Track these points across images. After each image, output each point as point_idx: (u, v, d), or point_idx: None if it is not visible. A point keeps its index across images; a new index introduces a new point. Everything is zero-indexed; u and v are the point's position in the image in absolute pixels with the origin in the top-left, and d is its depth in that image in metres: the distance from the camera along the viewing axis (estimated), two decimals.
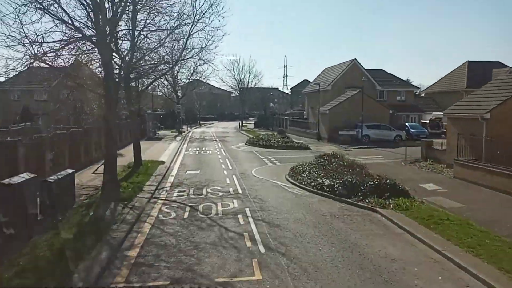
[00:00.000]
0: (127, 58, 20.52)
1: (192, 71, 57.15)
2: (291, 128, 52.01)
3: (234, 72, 76.14)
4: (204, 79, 57.93)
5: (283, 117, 58.90)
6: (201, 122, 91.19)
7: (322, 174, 18.51)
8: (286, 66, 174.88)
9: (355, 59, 45.67)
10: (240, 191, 17.67)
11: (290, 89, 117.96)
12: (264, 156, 29.10)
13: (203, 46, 24.33)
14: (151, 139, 44.57)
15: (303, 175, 19.54)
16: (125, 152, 30.60)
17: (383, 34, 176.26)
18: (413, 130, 39.61)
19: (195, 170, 23.55)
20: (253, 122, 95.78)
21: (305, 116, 55.43)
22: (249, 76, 76.67)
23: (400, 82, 48.98)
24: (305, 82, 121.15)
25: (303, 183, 18.43)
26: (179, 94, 60.33)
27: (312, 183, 17.74)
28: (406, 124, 41.51)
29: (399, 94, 48.46)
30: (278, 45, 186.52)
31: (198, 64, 60.62)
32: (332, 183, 16.73)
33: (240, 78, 76.22)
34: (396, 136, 37.46)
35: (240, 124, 75.03)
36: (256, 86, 78.77)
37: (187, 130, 63.72)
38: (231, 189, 17.96)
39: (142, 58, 21.92)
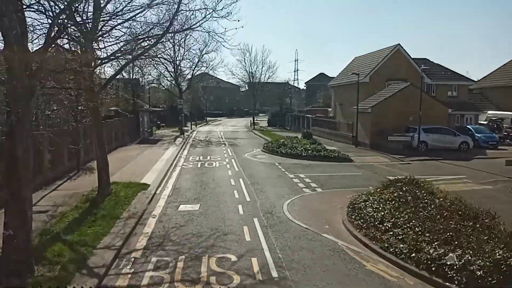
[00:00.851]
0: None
1: (197, 60, 48.74)
2: (314, 129, 43.18)
3: (245, 63, 67.48)
4: (211, 69, 49.41)
5: (303, 114, 49.98)
6: (208, 118, 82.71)
7: (426, 235, 9.66)
8: (297, 60, 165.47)
9: (399, 44, 36.61)
10: (275, 273, 8.96)
11: (305, 83, 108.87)
12: (293, 173, 20.39)
13: (209, 10, 15.46)
14: (145, 141, 36.04)
15: (381, 226, 10.81)
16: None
17: (406, 21, 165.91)
18: (479, 135, 30.56)
19: (192, 203, 14.87)
20: (266, 120, 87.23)
21: (331, 114, 46.54)
22: (261, 68, 68.02)
23: (450, 74, 39.82)
24: (321, 76, 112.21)
25: (396, 250, 9.62)
26: (182, 86, 51.74)
27: (425, 259, 8.90)
28: (469, 126, 32.41)
29: (450, 89, 39.33)
30: (289, 36, 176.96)
31: (203, 50, 52.18)
32: (471, 268, 8.02)
33: (251, 70, 67.57)
34: (461, 143, 28.46)
35: (252, 122, 66.34)
36: (269, 80, 69.97)
37: (191, 128, 55.16)
38: (256, 268, 9.18)
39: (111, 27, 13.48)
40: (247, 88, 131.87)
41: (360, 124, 31.62)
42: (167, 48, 20.61)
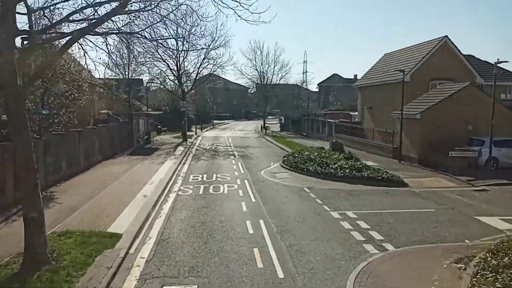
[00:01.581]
0: None
1: (203, 57, 42.54)
2: (338, 137, 36.77)
3: (255, 61, 61.32)
4: (219, 67, 43.15)
5: (323, 119, 43.49)
6: (215, 121, 76.62)
7: None
8: (306, 61, 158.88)
9: (447, 36, 30.06)
10: None
11: (318, 84, 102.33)
12: (336, 209, 13.97)
13: None
14: (139, 151, 29.82)
15: None
16: (70, 188, 15.96)
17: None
18: None
19: (186, 280, 8.62)
20: (277, 123, 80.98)
21: (356, 119, 40.08)
22: (273, 67, 61.77)
23: (503, 72, 33.19)
24: (335, 77, 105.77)
25: None
26: (186, 87, 45.53)
27: None
28: None
29: (503, 90, 32.78)
30: (301, 35, 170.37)
31: (211, 45, 45.79)
32: None
33: (263, 69, 61.34)
34: None
35: (262, 126, 60.08)
36: (282, 81, 63.67)
37: (195, 133, 48.97)
38: None
39: None
40: (255, 89, 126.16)
41: (405, 133, 25.12)
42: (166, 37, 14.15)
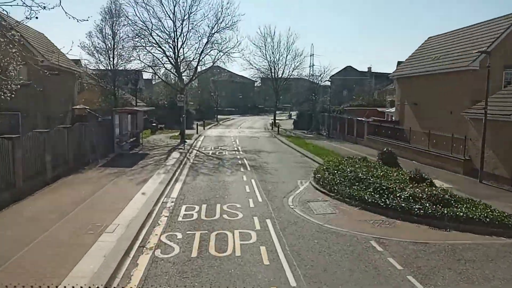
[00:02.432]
0: None
1: (205, 41, 35.16)
2: (371, 139, 29.53)
3: (265, 50, 53.83)
4: (224, 53, 35.72)
5: (349, 116, 36.02)
6: (219, 117, 69.38)
7: None
8: (313, 55, 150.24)
9: None
10: None
11: (330, 77, 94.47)
12: None
13: None
14: (118, 160, 22.52)
15: None
16: None
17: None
18: None
19: None
20: (286, 119, 73.70)
21: (393, 118, 32.62)
22: (286, 57, 54.28)
23: None
24: (349, 70, 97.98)
25: None
26: (185, 77, 38.19)
27: None
28: None
29: None
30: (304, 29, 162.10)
31: (214, 27, 38.08)
32: None
33: (273, 58, 53.88)
34: None
35: (272, 123, 52.84)
36: (295, 72, 56.22)
37: (197, 132, 41.68)
38: None
39: None
40: (260, 83, 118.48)
41: (488, 141, 17.69)
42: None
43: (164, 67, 35.56)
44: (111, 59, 30.68)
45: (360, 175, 15.63)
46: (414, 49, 31.68)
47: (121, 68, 32.64)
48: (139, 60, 32.74)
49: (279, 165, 22.09)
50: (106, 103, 31.21)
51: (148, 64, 33.09)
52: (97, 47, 30.79)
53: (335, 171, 16.74)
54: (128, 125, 26.82)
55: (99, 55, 30.86)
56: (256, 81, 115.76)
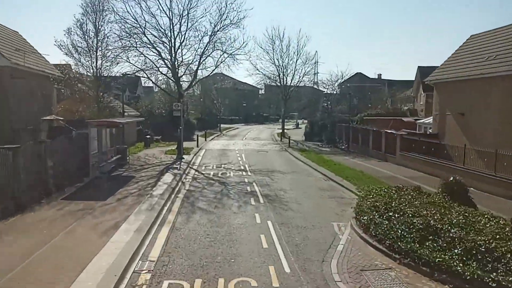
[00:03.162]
0: None
1: (208, 40, 30.28)
2: (404, 156, 24.30)
3: (273, 53, 48.89)
4: (229, 55, 30.79)
5: (373, 128, 30.76)
6: (222, 125, 64.42)
7: None
8: (317, 62, 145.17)
9: None
10: None
11: (338, 85, 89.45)
12: None
13: None
14: (91, 188, 17.29)
15: None
16: None
17: None
18: None
19: None
20: (295, 128, 68.74)
21: (429, 130, 27.33)
22: (296, 61, 49.29)
23: None
24: (358, 76, 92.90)
25: None
26: (183, 83, 33.16)
27: None
28: None
29: None
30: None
31: (217, 24, 32.77)
32: None
33: (283, 63, 48.92)
34: None
35: (281, 134, 47.75)
36: (305, 78, 51.26)
37: (197, 144, 36.51)
38: None
39: None
40: (265, 90, 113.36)
41: None
42: None
43: (159, 71, 30.55)
44: (94, 60, 25.76)
45: (432, 222, 10.37)
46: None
47: (108, 72, 27.64)
48: (129, 62, 27.72)
49: (300, 195, 16.84)
50: (89, 112, 26.15)
51: (139, 67, 28.08)
52: (78, 46, 25.88)
53: (389, 212, 11.48)
54: (108, 141, 21.65)
55: (79, 55, 25.96)
56: (261, 89, 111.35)
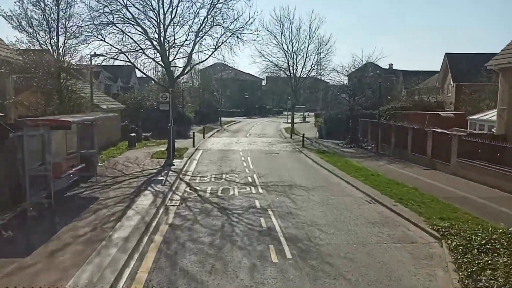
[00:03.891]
0: None
1: (206, 14, 23.95)
2: (463, 164, 18.06)
3: (282, 37, 42.51)
4: (233, 33, 24.43)
5: (413, 126, 24.36)
6: (223, 119, 58.25)
7: None
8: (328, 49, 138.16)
9: None
10: None
11: (348, 75, 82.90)
12: None
13: None
14: (17, 227, 11.27)
15: None
16: None
17: None
18: None
19: None
20: (302, 122, 62.71)
21: (492, 130, 21.01)
22: (307, 46, 42.99)
23: None
24: (368, 66, 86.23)
25: None
26: (175, 69, 26.80)
27: None
28: None
29: None
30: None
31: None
32: None
33: (292, 48, 42.61)
34: None
35: (291, 130, 41.64)
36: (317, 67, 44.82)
37: (193, 143, 30.27)
38: None
39: None
40: (267, 80, 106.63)
41: None
42: None
43: (145, 54, 24.14)
44: (54, 37, 19.49)
45: None
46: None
47: (73, 54, 21.23)
48: (104, 41, 21.32)
49: (346, 237, 10.58)
50: (52, 105, 19.88)
51: (117, 47, 21.75)
52: (32, 18, 19.55)
53: None
54: (65, 146, 15.42)
55: (34, 30, 19.62)
56: (263, 79, 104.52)
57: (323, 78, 47.59)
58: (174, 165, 21.07)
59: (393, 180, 17.45)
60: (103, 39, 21.45)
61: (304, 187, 16.62)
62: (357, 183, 17.09)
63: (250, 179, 18.14)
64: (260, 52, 41.92)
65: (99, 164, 19.40)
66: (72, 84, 20.90)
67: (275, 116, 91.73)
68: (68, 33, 20.05)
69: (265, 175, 19.13)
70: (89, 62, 21.69)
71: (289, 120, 66.53)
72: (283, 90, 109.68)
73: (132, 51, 23.81)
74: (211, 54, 25.53)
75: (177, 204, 13.85)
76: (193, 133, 32.65)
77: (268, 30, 43.13)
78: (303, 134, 32.26)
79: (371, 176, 18.41)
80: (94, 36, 20.61)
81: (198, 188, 16.48)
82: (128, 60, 24.02)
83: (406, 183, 16.87)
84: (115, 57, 23.79)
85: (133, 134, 28.06)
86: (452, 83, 41.01)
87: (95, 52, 20.94)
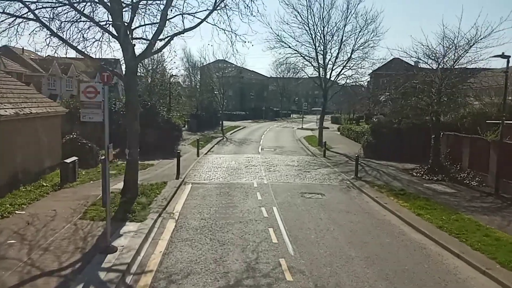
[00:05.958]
0: None
1: None
2: None
3: (308, 15, 30.62)
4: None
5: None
6: (225, 123, 46.44)
7: None
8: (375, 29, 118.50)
9: None
10: None
11: (370, 74, 70.77)
12: None
13: None
14: None
15: None
16: None
17: None
18: None
19: None
20: (315, 128, 50.48)
21: None
22: (344, 27, 31.22)
23: None
24: (396, 63, 74.39)
25: None
26: (139, 43, 14.85)
27: None
28: None
29: None
30: None
31: None
32: None
33: (322, 30, 30.75)
34: None
35: (322, 144, 29.62)
36: (359, 53, 32.78)
37: (177, 170, 18.13)
38: None
39: None
40: (270, 78, 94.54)
41: None
42: None
43: (77, 10, 12.12)
44: None
45: None
46: None
47: None
48: None
49: None
50: None
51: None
52: None
53: None
54: None
55: None
56: (270, 78, 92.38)
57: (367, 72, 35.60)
58: (115, 250, 9.01)
59: None
60: None
61: None
62: None
63: None
64: (278, 36, 29.92)
65: None
66: None
67: (284, 119, 79.86)
68: None
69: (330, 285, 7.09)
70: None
71: (304, 126, 54.59)
72: (292, 90, 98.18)
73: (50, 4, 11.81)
74: (209, 14, 13.41)
75: None
76: (178, 153, 20.18)
77: (287, 4, 31.07)
78: (357, 157, 19.86)
79: None
80: None
81: None
82: (42, 23, 11.95)
83: None
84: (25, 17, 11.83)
85: (72, 160, 15.86)
86: None
87: None
